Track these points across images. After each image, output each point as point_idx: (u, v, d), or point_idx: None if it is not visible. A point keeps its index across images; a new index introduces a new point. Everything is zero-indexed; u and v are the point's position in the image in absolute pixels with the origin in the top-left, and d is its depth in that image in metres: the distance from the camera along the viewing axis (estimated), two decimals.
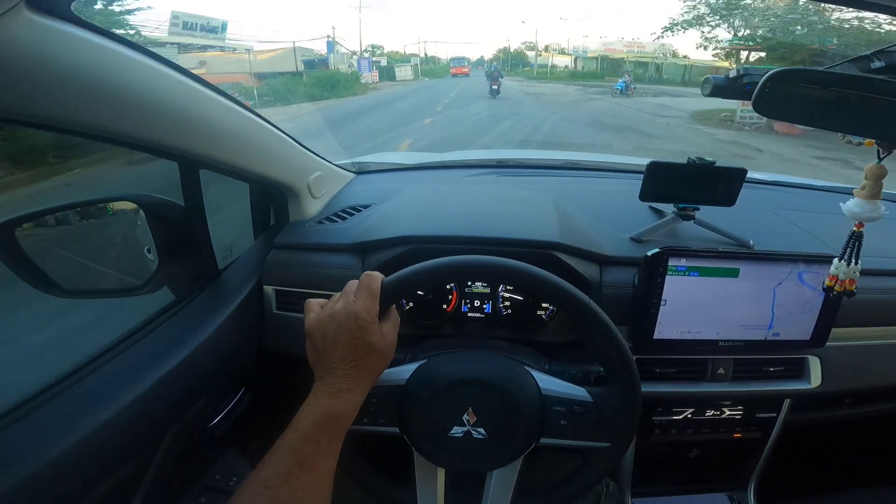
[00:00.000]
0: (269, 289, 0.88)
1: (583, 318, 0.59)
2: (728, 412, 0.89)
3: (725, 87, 0.63)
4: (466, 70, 43.26)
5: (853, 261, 0.60)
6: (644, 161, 1.33)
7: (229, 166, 0.75)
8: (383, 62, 43.67)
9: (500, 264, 0.58)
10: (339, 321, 0.53)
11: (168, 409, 0.69)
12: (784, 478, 1.07)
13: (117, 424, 0.59)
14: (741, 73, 0.62)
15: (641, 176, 0.88)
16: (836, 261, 0.61)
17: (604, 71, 41.40)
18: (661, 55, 38.62)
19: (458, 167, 1.35)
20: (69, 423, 0.56)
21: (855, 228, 0.59)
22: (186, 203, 0.77)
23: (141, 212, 0.78)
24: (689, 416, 0.89)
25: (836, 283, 0.62)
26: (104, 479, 0.59)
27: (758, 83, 0.54)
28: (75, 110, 0.49)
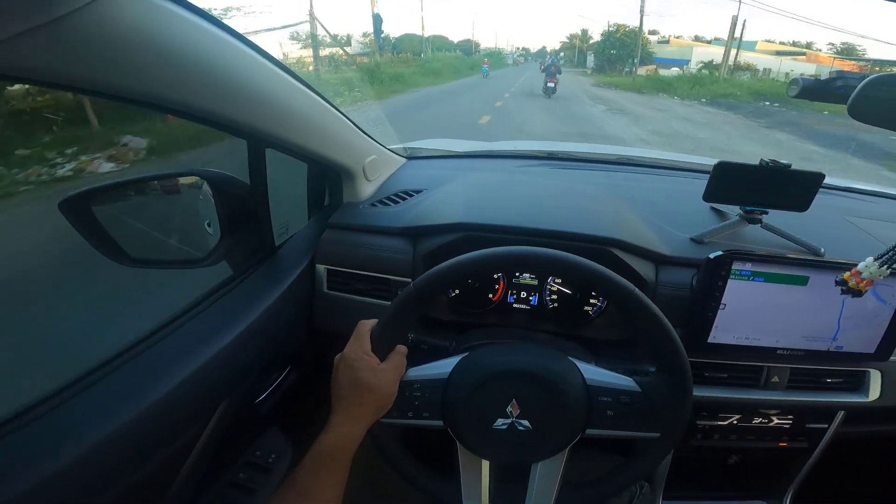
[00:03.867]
0: (321, 268, 0.89)
1: (627, 304, 0.58)
2: (777, 420, 0.88)
3: (816, 90, 0.62)
4: None
5: (886, 266, 0.57)
6: (702, 160, 1.30)
7: (295, 146, 0.76)
8: None
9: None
10: (338, 363, 0.61)
11: (222, 383, 0.70)
12: (824, 489, 1.05)
13: (176, 397, 0.60)
14: (834, 75, 0.60)
15: (699, 175, 0.85)
16: (870, 259, 0.58)
17: None
18: None
19: (508, 157, 1.33)
20: (136, 393, 0.57)
21: None
22: (252, 180, 0.78)
23: (204, 187, 0.80)
24: (735, 422, 0.88)
25: (855, 279, 0.59)
26: (160, 450, 0.60)
27: (853, 86, 0.54)
28: (169, 87, 0.49)
